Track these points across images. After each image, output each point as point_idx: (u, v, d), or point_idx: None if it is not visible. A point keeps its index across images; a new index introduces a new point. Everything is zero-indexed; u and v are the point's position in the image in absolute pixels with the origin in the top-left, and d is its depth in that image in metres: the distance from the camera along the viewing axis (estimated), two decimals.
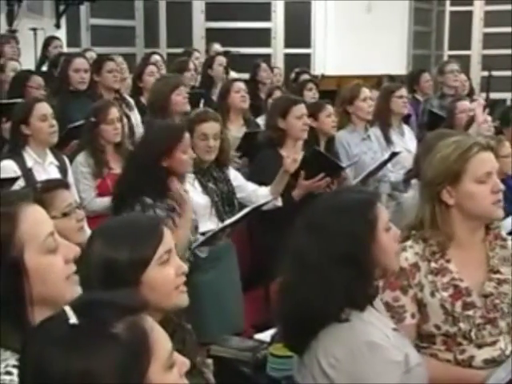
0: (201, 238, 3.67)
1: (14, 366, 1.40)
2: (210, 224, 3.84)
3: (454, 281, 2.36)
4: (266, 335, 2.98)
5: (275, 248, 3.70)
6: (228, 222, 3.77)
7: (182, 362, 1.25)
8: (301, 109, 4.44)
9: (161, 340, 1.20)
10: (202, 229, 3.78)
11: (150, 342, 1.17)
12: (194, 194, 3.78)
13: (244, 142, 4.84)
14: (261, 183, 4.16)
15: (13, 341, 1.44)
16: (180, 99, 5.03)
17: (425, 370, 2.08)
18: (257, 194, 4.11)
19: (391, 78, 7.43)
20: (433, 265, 2.37)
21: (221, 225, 3.78)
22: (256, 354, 2.86)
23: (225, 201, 3.95)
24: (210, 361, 2.05)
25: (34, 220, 1.53)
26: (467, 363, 2.36)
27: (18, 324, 1.46)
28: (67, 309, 1.18)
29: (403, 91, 5.45)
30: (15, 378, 1.39)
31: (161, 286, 1.80)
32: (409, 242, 2.41)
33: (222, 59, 6.84)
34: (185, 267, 1.87)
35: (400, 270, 2.34)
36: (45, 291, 1.51)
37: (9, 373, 1.40)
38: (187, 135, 3.54)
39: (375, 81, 7.38)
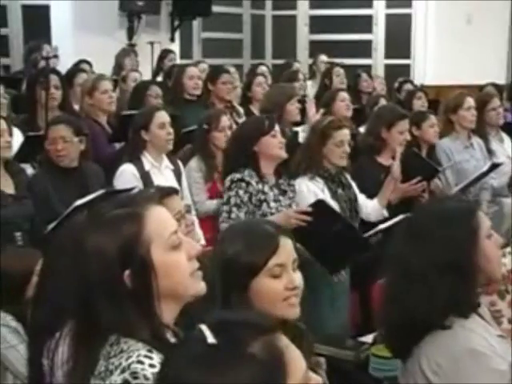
0: None
1: (145, 357, 1.44)
2: None
3: None
4: (367, 338, 2.96)
5: (374, 251, 3.70)
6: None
7: (317, 381, 1.22)
8: (405, 124, 4.41)
9: (296, 359, 1.16)
10: None
11: (285, 362, 1.13)
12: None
13: None
14: (359, 190, 4.13)
15: (143, 333, 1.48)
16: (293, 109, 5.07)
17: None
18: (366, 206, 4.08)
19: (495, 86, 7.16)
20: None
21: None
22: (359, 354, 2.84)
23: (352, 207, 3.95)
24: (322, 360, 2.02)
25: (160, 219, 1.56)
26: None
27: (148, 318, 1.50)
28: (204, 328, 1.15)
29: (495, 102, 5.25)
30: (146, 367, 1.43)
31: (267, 297, 1.79)
32: (508, 248, 2.34)
33: (339, 70, 6.82)
34: (296, 282, 1.82)
35: None
36: (171, 286, 1.53)
37: (140, 362, 1.43)
38: (276, 124, 3.68)
39: (474, 90, 7.17)
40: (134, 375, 1.42)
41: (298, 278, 1.84)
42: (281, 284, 1.80)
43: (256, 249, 1.80)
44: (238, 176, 3.58)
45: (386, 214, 4.08)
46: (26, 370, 2.48)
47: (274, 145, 3.62)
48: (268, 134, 3.61)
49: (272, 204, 3.60)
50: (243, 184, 3.57)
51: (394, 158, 4.25)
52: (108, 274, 1.50)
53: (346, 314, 3.90)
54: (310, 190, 3.84)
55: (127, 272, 1.50)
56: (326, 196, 3.84)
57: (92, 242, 1.53)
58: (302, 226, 3.34)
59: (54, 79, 4.90)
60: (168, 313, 1.55)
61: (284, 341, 1.17)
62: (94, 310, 1.51)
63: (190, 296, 1.58)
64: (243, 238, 1.84)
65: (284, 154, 3.68)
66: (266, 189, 3.61)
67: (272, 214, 3.56)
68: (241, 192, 3.56)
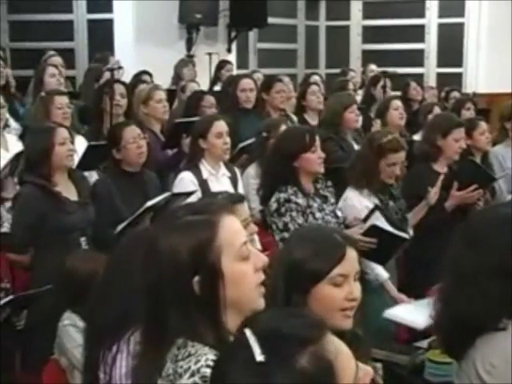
0: None
1: (213, 361, 1.43)
2: None
3: None
4: (422, 343, 2.92)
5: (428, 258, 3.66)
6: None
7: (366, 374, 1.20)
8: (461, 132, 4.34)
9: (346, 363, 1.14)
10: None
11: (334, 370, 1.11)
12: None
13: None
14: (413, 196, 4.08)
15: (209, 338, 1.49)
16: (352, 117, 5.03)
17: None
18: None
19: None
20: None
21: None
22: (414, 359, 2.81)
23: (403, 217, 3.91)
24: (379, 365, 2.00)
25: (232, 229, 1.56)
26: None
27: (214, 324, 1.50)
28: (252, 340, 1.13)
29: None
30: None
31: (325, 304, 1.78)
32: None
33: (385, 80, 6.77)
34: (356, 293, 1.82)
35: None
36: (236, 296, 1.53)
37: (209, 366, 1.43)
38: (317, 138, 3.58)
39: None
40: (204, 379, 1.42)
41: (357, 289, 1.84)
42: (341, 293, 1.80)
43: (322, 256, 1.79)
44: (283, 196, 3.48)
45: (411, 233, 3.94)
46: None
47: (314, 161, 3.55)
48: (309, 151, 3.53)
49: (317, 214, 3.56)
50: (292, 205, 3.47)
51: (449, 166, 4.20)
52: (178, 278, 1.50)
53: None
54: (362, 203, 3.77)
55: (196, 278, 1.50)
56: None
57: (165, 244, 1.53)
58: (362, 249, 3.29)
59: (120, 88, 4.99)
60: (230, 322, 1.54)
61: (333, 343, 1.14)
62: (163, 313, 1.51)
63: (251, 309, 1.56)
64: (312, 243, 1.83)
65: (322, 170, 3.60)
66: (311, 202, 3.56)
67: (319, 224, 3.51)
68: (294, 214, 3.47)
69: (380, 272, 3.62)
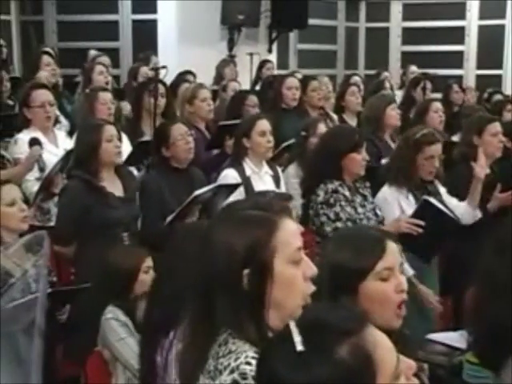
0: None
1: (253, 358, 1.43)
2: None
3: None
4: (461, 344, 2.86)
5: (465, 259, 3.60)
6: None
7: (409, 367, 1.18)
8: (495, 127, 4.29)
9: (386, 355, 1.13)
10: None
11: (373, 362, 1.11)
12: (408, 206, 3.73)
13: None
14: (457, 197, 4.02)
15: (250, 334, 1.47)
16: (394, 114, 5.03)
17: None
18: (459, 209, 3.96)
19: None
20: None
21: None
22: (452, 359, 2.77)
23: None
24: (426, 366, 1.97)
25: (289, 232, 1.54)
26: None
27: (256, 321, 1.49)
28: (294, 330, 1.14)
29: None
30: (254, 368, 1.41)
31: (377, 299, 1.75)
32: None
33: (427, 82, 6.71)
34: (404, 285, 1.79)
35: None
36: (282, 298, 1.51)
37: (249, 363, 1.43)
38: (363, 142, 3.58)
39: None
40: (243, 376, 1.42)
41: (404, 280, 1.81)
42: (390, 286, 1.77)
43: (364, 253, 1.77)
44: (331, 187, 3.50)
45: (479, 214, 3.98)
46: (135, 361, 2.53)
47: (358, 162, 3.56)
48: (356, 151, 3.54)
49: (360, 210, 3.56)
50: (340, 196, 3.49)
51: (491, 167, 4.13)
52: (230, 270, 1.49)
53: (434, 322, 3.80)
54: (394, 197, 3.77)
55: (246, 271, 1.49)
56: (411, 202, 3.76)
57: (222, 235, 1.52)
58: (411, 233, 3.27)
59: (161, 88, 5.01)
60: (271, 323, 1.52)
61: (373, 336, 1.14)
62: (212, 303, 1.50)
63: (292, 315, 1.52)
64: (351, 244, 1.81)
65: (363, 172, 3.61)
66: (354, 197, 3.57)
67: (360, 219, 3.52)
68: (343, 203, 3.48)
69: (406, 267, 3.59)
